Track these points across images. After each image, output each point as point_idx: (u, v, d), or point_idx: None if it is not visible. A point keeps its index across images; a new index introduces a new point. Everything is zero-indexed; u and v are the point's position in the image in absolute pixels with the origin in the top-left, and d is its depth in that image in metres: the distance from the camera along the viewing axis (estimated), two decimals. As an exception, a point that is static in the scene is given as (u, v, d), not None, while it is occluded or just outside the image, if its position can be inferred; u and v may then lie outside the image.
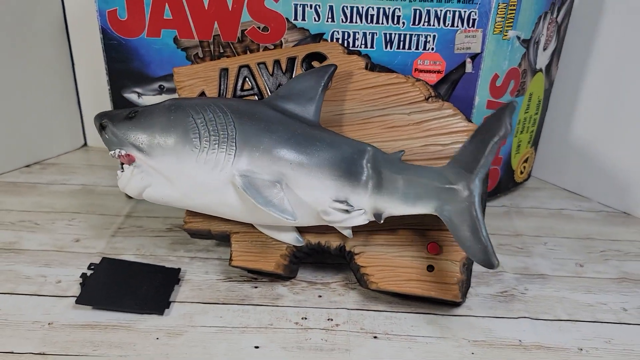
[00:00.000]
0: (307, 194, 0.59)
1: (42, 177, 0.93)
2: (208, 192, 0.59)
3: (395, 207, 0.59)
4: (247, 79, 0.68)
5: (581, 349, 0.60)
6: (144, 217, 0.83)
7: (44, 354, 0.56)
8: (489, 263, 0.56)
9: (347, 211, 0.59)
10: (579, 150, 0.94)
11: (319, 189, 0.59)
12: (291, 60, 0.68)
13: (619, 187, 0.91)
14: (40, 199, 0.87)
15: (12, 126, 0.92)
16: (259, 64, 0.68)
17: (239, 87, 0.69)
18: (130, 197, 0.87)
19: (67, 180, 0.93)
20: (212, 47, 0.75)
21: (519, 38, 0.77)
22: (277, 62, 0.68)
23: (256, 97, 0.69)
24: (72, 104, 1.01)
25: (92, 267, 0.68)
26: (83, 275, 0.67)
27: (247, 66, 0.68)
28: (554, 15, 0.81)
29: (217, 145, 0.58)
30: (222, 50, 0.75)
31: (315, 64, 0.68)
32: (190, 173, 0.59)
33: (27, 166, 0.97)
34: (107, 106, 0.83)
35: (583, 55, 0.89)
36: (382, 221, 0.60)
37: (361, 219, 0.60)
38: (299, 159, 0.58)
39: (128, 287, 0.66)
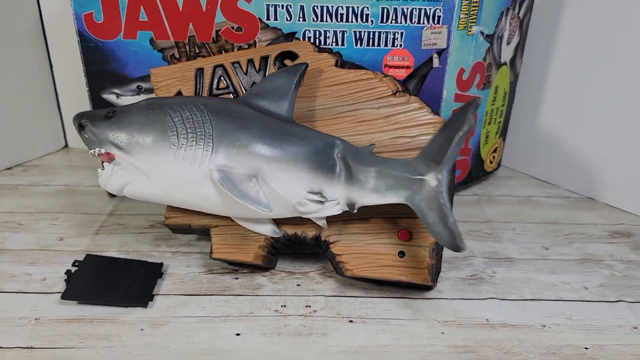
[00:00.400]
0: (283, 187, 0.62)
1: (24, 179, 0.95)
2: (187, 187, 0.62)
3: (368, 198, 0.62)
4: (222, 78, 0.71)
5: (544, 325, 0.64)
6: (127, 214, 0.85)
7: (32, 348, 0.58)
8: (457, 247, 0.59)
9: (321, 202, 0.62)
10: (546, 140, 0.99)
11: (293, 181, 0.62)
12: (264, 59, 0.71)
13: (584, 174, 0.95)
14: (23, 200, 0.88)
15: (-8, 129, 0.93)
16: (233, 63, 0.71)
17: (214, 86, 0.71)
18: (112, 196, 0.89)
19: (49, 182, 0.94)
20: (187, 47, 0.77)
21: (482, 33, 0.81)
22: (250, 61, 0.71)
23: (231, 95, 0.71)
24: (52, 106, 1.02)
25: (76, 263, 0.70)
26: (67, 272, 0.69)
27: (222, 66, 0.71)
28: (516, 11, 0.85)
29: (194, 142, 0.60)
30: (197, 51, 0.77)
31: (288, 62, 0.70)
32: (169, 169, 0.61)
33: (9, 168, 0.98)
34: (87, 107, 0.85)
35: (546, 48, 0.93)
36: (355, 211, 0.63)
37: (335, 209, 0.63)
38: (273, 153, 0.61)
39: (112, 281, 0.68)
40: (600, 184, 0.94)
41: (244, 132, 0.61)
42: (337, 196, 0.63)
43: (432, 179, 0.60)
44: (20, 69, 0.95)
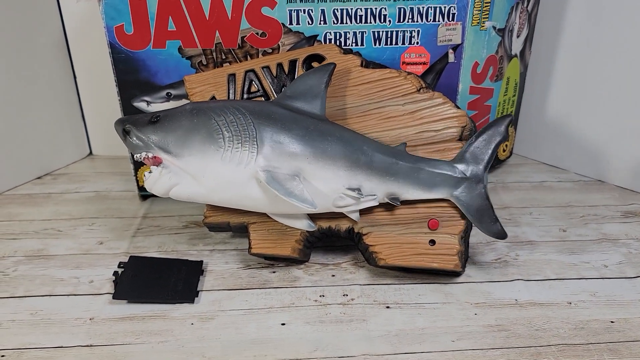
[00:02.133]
0: (323, 185, 0.66)
1: (55, 187, 0.98)
2: (232, 187, 0.65)
3: (413, 193, 0.69)
4: (253, 82, 0.74)
5: (570, 303, 0.68)
6: (160, 217, 0.88)
7: (91, 346, 0.61)
8: (503, 235, 0.70)
9: (358, 198, 0.66)
10: (555, 127, 1.02)
11: (332, 179, 0.66)
12: (292, 63, 0.74)
13: (593, 158, 0.99)
14: (58, 207, 0.91)
15: (22, 140, 0.96)
16: (263, 67, 0.74)
17: (245, 90, 0.74)
18: (144, 199, 0.93)
19: (80, 189, 0.97)
20: (214, 54, 0.80)
21: (494, 28, 0.84)
22: (280, 65, 0.74)
23: (263, 98, 0.75)
24: (76, 115, 1.05)
25: (122, 265, 0.74)
26: (115, 273, 0.72)
27: (253, 70, 0.74)
28: (525, 5, 0.88)
29: (240, 145, 0.63)
30: (224, 57, 0.80)
31: (315, 64, 0.74)
32: (216, 171, 0.64)
33: (39, 177, 1.01)
34: (111, 115, 0.87)
35: (553, 39, 0.97)
36: (399, 203, 0.69)
37: (371, 203, 0.68)
38: (314, 153, 0.65)
39: (157, 280, 0.71)
40: (608, 166, 0.98)
41: (285, 134, 0.64)
42: (378, 191, 0.68)
43: (476, 179, 0.69)
44: (44, 80, 0.97)
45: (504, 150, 1.02)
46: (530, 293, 0.70)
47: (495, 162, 1.02)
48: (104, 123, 1.06)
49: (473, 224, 0.70)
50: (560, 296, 0.69)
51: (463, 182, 0.69)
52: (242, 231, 0.76)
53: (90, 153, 1.11)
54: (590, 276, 0.73)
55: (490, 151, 0.69)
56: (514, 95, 0.97)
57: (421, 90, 0.71)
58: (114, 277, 0.71)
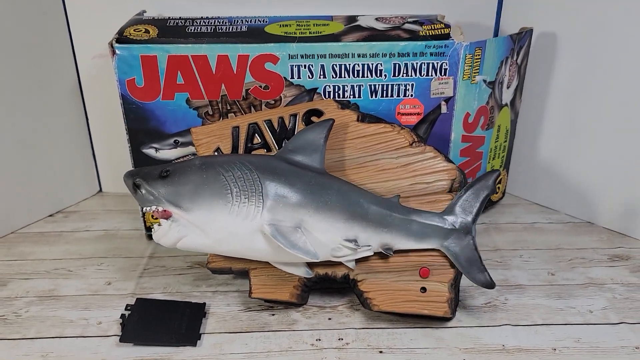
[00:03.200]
0: (322, 236, 0.70)
1: (67, 225, 1.02)
2: (239, 239, 0.69)
3: (406, 243, 0.73)
4: (255, 134, 0.79)
5: (555, 349, 0.71)
6: (166, 257, 0.92)
7: (99, 388, 0.65)
8: (490, 285, 0.74)
9: (354, 249, 0.70)
10: (547, 169, 1.06)
11: (331, 231, 0.70)
12: (293, 117, 0.79)
13: (583, 200, 1.03)
14: (69, 246, 0.95)
15: (36, 179, 1.01)
16: (265, 121, 0.79)
17: (249, 142, 0.79)
18: (150, 239, 0.97)
19: (90, 227, 1.01)
20: (220, 105, 0.85)
21: (485, 81, 0.89)
22: (281, 119, 0.79)
23: (264, 149, 0.79)
24: (87, 154, 1.10)
25: (129, 307, 0.77)
26: (122, 316, 0.76)
27: (256, 123, 0.79)
28: (514, 58, 0.93)
29: (247, 200, 0.67)
30: (229, 108, 0.85)
31: (314, 118, 0.78)
32: (224, 224, 0.67)
33: (51, 215, 1.06)
34: (121, 154, 0.92)
35: (542, 87, 1.01)
36: (392, 253, 0.73)
37: (366, 253, 0.72)
38: (315, 206, 0.69)
39: (162, 323, 0.75)
40: (597, 208, 1.01)
41: (288, 188, 0.69)
42: (372, 242, 0.72)
43: (465, 230, 0.73)
44: (59, 124, 1.03)
45: (496, 192, 1.06)
46: (517, 339, 0.73)
47: (488, 204, 1.06)
48: (113, 162, 1.11)
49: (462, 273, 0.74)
50: (546, 342, 0.72)
51: (452, 233, 0.73)
52: (243, 275, 0.80)
53: (100, 190, 1.15)
54: (575, 322, 0.76)
55: (478, 204, 0.73)
56: (505, 141, 1.02)
57: (413, 144, 0.76)
58: (121, 320, 0.75)
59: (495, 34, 1.06)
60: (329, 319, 0.77)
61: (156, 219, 0.71)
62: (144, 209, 0.70)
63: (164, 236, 0.69)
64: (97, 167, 1.12)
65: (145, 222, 0.95)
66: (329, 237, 0.70)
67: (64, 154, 1.05)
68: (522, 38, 0.93)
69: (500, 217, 1.06)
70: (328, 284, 0.80)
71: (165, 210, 0.68)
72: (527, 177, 1.10)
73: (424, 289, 0.73)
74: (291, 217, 0.68)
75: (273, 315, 0.78)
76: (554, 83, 1.00)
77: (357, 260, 0.74)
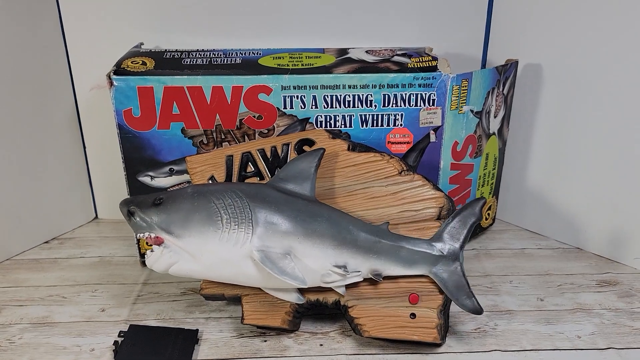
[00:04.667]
0: (312, 262, 0.71)
1: (62, 252, 1.03)
2: (228, 265, 0.70)
3: (394, 270, 0.75)
4: (249, 163, 0.81)
5: (543, 375, 0.72)
6: (160, 283, 0.93)
7: (91, 416, 0.65)
8: (478, 311, 0.74)
9: (344, 275, 0.71)
10: (535, 196, 1.08)
11: (321, 257, 0.71)
12: (285, 146, 0.81)
13: (571, 226, 1.04)
14: (63, 273, 0.96)
15: (32, 206, 1.02)
16: (258, 150, 0.81)
17: (242, 170, 0.81)
18: (144, 265, 0.98)
19: (85, 254, 1.02)
20: (214, 134, 0.87)
21: (472, 111, 0.92)
22: (274, 148, 0.81)
23: (257, 178, 0.81)
24: (83, 181, 1.11)
25: (122, 334, 0.78)
26: (115, 343, 0.76)
27: (249, 152, 0.81)
28: (500, 89, 0.96)
29: (237, 226, 0.69)
30: (223, 136, 0.88)
31: (306, 147, 0.81)
32: (214, 250, 0.69)
33: (46, 242, 1.07)
34: (117, 181, 0.94)
35: (529, 116, 1.04)
36: (381, 279, 0.74)
37: (356, 279, 0.73)
38: (304, 233, 0.71)
39: (155, 350, 0.75)
40: (586, 235, 1.03)
41: (278, 215, 0.70)
42: (362, 268, 0.73)
43: (453, 257, 0.74)
44: (56, 151, 1.05)
45: (486, 219, 1.08)
46: (507, 365, 0.74)
47: (478, 230, 1.08)
48: (109, 189, 1.12)
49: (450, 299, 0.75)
50: (535, 368, 0.73)
51: (441, 260, 0.74)
52: (235, 301, 0.81)
53: (96, 217, 1.17)
54: (563, 347, 0.77)
55: (465, 231, 0.75)
56: (494, 169, 1.04)
57: (402, 173, 0.78)
58: (114, 347, 0.76)
59: (483, 65, 1.09)
60: (321, 345, 0.78)
61: (150, 245, 0.73)
62: (138, 235, 0.72)
63: (156, 262, 0.71)
64: (93, 194, 1.14)
65: (139, 248, 0.96)
66: (319, 263, 0.72)
67: (61, 182, 1.07)
68: (508, 70, 0.96)
69: (491, 243, 1.08)
70: (319, 310, 0.81)
71: (157, 237, 0.70)
72: (516, 204, 1.12)
73: (413, 315, 0.74)
74: (280, 243, 0.70)
75: (265, 341, 0.79)
76: (541, 112, 1.02)
77: (348, 287, 0.75)
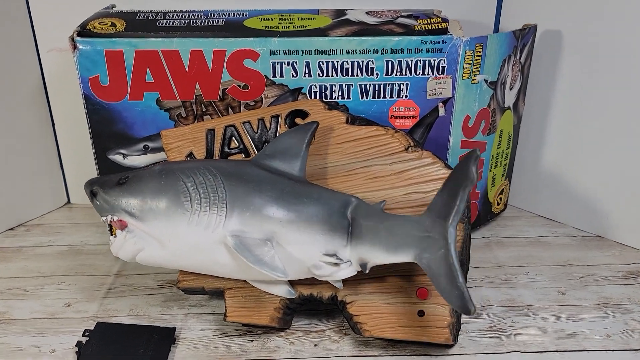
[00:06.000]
0: (298, 250, 0.61)
1: (27, 240, 0.93)
2: (200, 252, 0.61)
3: (379, 257, 0.61)
4: (233, 138, 0.71)
5: (570, 380, 0.63)
6: (135, 274, 0.83)
7: None
8: (466, 309, 0.57)
9: (336, 264, 0.61)
10: (551, 179, 0.99)
11: (308, 244, 0.61)
12: (275, 118, 0.71)
13: (591, 212, 0.95)
14: (27, 263, 0.86)
15: (-3, 190, 0.92)
16: (244, 123, 0.71)
17: (225, 147, 0.71)
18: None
19: (53, 242, 0.93)
20: (194, 106, 0.77)
21: (486, 81, 0.82)
22: (261, 121, 0.71)
23: (243, 155, 0.71)
24: (54, 164, 1.02)
25: (87, 333, 0.69)
26: (78, 344, 0.67)
27: (233, 126, 0.71)
28: (517, 57, 0.86)
29: (208, 208, 0.60)
30: (204, 109, 0.77)
31: (298, 120, 0.71)
32: (183, 235, 0.60)
33: (11, 229, 0.97)
34: (90, 163, 0.84)
35: (547, 90, 0.94)
36: (367, 271, 0.62)
37: (349, 271, 0.62)
38: (288, 216, 0.61)
39: (124, 351, 0.66)
40: (607, 222, 0.94)
41: (257, 196, 0.61)
42: (349, 257, 0.62)
43: (440, 237, 0.58)
44: (22, 127, 0.95)
45: (498, 204, 0.99)
46: (528, 368, 0.65)
47: (489, 216, 0.98)
48: (82, 170, 1.01)
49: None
50: (560, 372, 0.64)
51: (426, 241, 0.59)
52: (219, 295, 0.71)
53: (69, 201, 1.06)
54: (592, 347, 0.68)
55: (456, 202, 0.57)
56: (508, 148, 0.94)
57: (409, 149, 0.68)
58: (77, 348, 0.66)
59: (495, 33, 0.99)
60: (315, 345, 0.69)
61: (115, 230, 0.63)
62: (102, 218, 0.63)
63: (121, 249, 0.63)
64: (64, 175, 1.04)
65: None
66: (306, 252, 0.61)
67: (28, 161, 0.96)
68: (526, 35, 0.86)
69: (502, 230, 0.98)
70: (314, 305, 0.72)
71: (120, 220, 0.62)
72: (530, 188, 1.02)
73: (422, 313, 0.64)
74: (260, 228, 0.60)
75: (252, 341, 0.69)
76: (560, 85, 0.93)
77: (346, 280, 0.65)
